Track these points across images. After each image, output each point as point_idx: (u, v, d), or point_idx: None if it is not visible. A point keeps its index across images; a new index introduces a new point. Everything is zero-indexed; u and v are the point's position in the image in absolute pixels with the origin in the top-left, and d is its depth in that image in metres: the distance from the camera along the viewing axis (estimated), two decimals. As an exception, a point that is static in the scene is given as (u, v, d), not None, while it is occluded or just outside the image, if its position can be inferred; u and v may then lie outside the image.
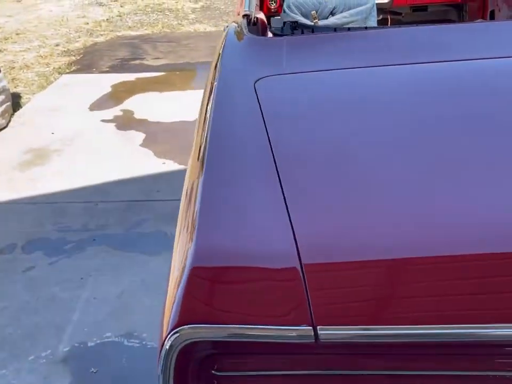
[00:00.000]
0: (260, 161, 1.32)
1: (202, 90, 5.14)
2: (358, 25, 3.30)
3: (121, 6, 9.54)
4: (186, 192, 1.44)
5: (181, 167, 3.81)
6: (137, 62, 6.31)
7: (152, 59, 6.37)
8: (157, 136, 4.32)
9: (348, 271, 1.05)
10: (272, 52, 2.04)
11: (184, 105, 4.90)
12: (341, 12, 3.24)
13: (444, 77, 1.75)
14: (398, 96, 1.64)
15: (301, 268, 1.01)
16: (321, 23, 3.27)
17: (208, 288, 1.05)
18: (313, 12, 3.23)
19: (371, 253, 1.05)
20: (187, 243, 1.14)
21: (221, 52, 2.23)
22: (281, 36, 2.14)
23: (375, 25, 3.40)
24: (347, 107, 1.60)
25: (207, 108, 1.84)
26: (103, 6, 9.69)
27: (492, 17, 4.13)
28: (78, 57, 6.60)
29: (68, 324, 2.46)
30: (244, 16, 2.73)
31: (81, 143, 4.23)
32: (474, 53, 1.85)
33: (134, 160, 3.93)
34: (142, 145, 4.18)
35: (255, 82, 1.78)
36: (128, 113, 4.80)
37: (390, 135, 1.41)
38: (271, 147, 1.38)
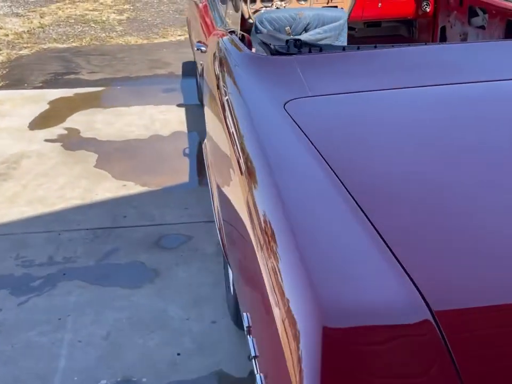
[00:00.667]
0: (341, 200, 1.20)
1: (149, 106, 4.88)
2: (330, 42, 3.25)
3: (41, 17, 9.09)
4: (261, 242, 1.25)
5: (144, 189, 3.60)
6: (72, 76, 5.97)
7: (88, 73, 6.05)
8: (111, 156, 4.07)
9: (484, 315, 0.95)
10: (286, 71, 1.92)
11: (132, 122, 4.67)
12: (315, 28, 3.18)
13: (475, 98, 1.70)
14: (445, 118, 1.57)
15: (434, 318, 0.90)
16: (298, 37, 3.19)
17: (348, 355, 0.91)
18: (287, 28, 3.15)
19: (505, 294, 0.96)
20: (294, 303, 0.99)
21: (229, 71, 2.09)
22: (288, 54, 2.03)
23: (345, 41, 3.37)
24: (399, 131, 1.51)
25: (234, 133, 1.69)
26: (20, 16, 9.19)
27: (443, 33, 4.23)
28: (5, 71, 6.17)
29: (54, 373, 2.20)
30: (231, 32, 2.60)
31: (29, 166, 3.90)
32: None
33: (91, 183, 3.67)
34: (96, 166, 3.92)
35: (284, 105, 1.66)
36: (73, 132, 4.50)
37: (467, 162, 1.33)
38: (340, 181, 1.26)
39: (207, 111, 2.68)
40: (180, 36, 8.01)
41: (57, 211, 3.36)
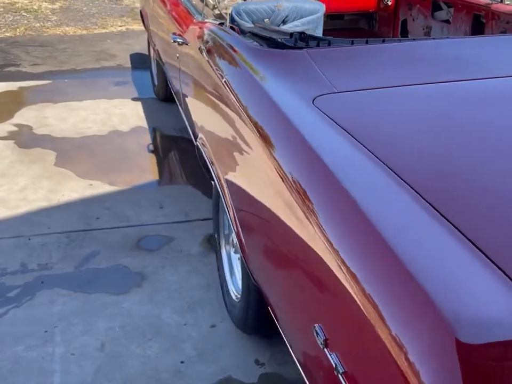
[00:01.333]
0: (415, 204, 1.15)
1: (102, 100, 4.65)
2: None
3: (-34, 5, 8.56)
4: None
5: (113, 188, 3.43)
6: (12, 69, 5.64)
7: (30, 66, 5.73)
8: (71, 154, 3.86)
9: None
10: (302, 65, 1.86)
11: (87, 118, 4.45)
12: (293, 21, 3.12)
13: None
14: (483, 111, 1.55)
15: None
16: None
17: (487, 373, 0.86)
18: (266, 20, 3.07)
19: None
20: (406, 315, 0.93)
21: (234, 64, 2.00)
22: (298, 48, 1.96)
23: (321, 34, 3.33)
24: (447, 126, 1.48)
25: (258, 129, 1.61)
26: None
27: (404, 26, 4.27)
28: None
29: (51, 390, 2.05)
30: (220, 24, 2.50)
31: (-18, 166, 3.64)
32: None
33: (54, 184, 3.46)
34: (57, 165, 3.70)
35: (313, 100, 1.60)
36: (25, 129, 4.24)
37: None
38: (405, 182, 1.21)
39: (196, 105, 2.57)
40: (120, 26, 7.74)
41: (23, 214, 3.15)
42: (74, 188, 3.42)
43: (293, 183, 1.36)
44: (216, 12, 3.03)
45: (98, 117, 4.49)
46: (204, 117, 2.45)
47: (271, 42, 2.07)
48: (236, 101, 1.88)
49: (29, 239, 2.92)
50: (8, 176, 3.55)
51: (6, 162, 3.72)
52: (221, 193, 2.06)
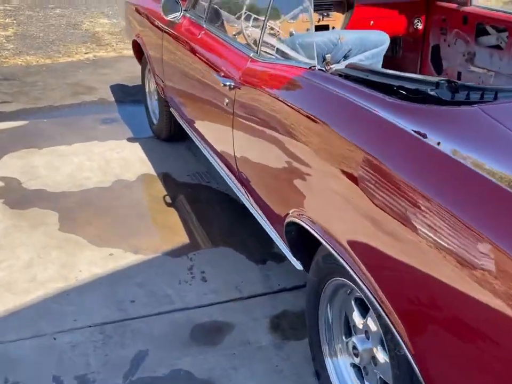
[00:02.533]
0: None
1: (94, 143, 4.00)
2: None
3: None
4: None
5: (138, 257, 2.86)
6: (-22, 108, 4.95)
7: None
8: (75, 214, 3.25)
9: None
10: (483, 128, 1.38)
11: (82, 165, 3.85)
12: (356, 55, 2.65)
13: None
14: None
15: None
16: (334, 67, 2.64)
17: None
18: (328, 56, 2.58)
19: None
20: None
21: (391, 129, 1.51)
22: (466, 103, 1.48)
23: (380, 68, 2.87)
24: None
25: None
26: None
27: (436, 52, 3.88)
28: None
29: None
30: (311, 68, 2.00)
31: (-29, 237, 2.99)
32: None
33: (65, 255, 2.85)
34: (63, 229, 3.09)
35: None
36: (13, 183, 3.60)
37: None
38: None
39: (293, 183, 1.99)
40: (86, 53, 7.13)
41: (36, 301, 2.53)
42: (92, 260, 2.83)
43: None
44: (268, 47, 2.51)
45: (95, 163, 3.89)
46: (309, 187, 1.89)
47: (412, 94, 1.58)
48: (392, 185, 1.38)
49: (54, 338, 2.31)
50: (6, 248, 2.91)
51: (-2, 229, 3.09)
52: (367, 289, 1.51)
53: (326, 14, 3.56)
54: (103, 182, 3.63)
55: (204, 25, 3.01)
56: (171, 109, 3.82)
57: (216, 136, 2.80)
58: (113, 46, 7.65)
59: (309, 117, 1.84)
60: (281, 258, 2.85)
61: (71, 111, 4.90)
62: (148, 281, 2.68)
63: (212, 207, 3.35)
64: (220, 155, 2.77)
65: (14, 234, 3.03)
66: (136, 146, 4.18)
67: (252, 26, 2.89)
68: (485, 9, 3.50)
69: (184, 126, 3.49)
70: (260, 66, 2.28)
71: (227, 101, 2.46)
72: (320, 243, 1.86)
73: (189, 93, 3.09)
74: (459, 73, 3.66)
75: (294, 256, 2.10)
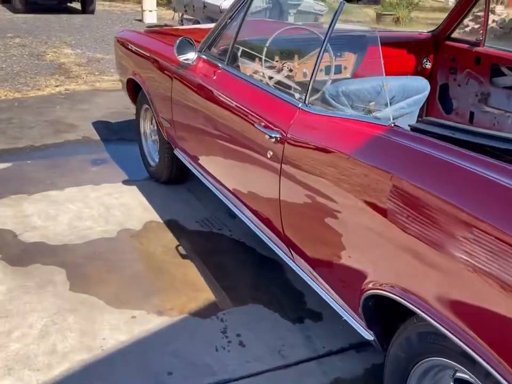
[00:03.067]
0: None
1: (87, 187, 3.75)
2: (410, 118, 2.63)
3: None
4: None
5: (164, 320, 2.63)
6: (-47, 149, 4.61)
7: (-25, 144, 4.73)
8: (84, 270, 2.99)
9: None
10: None
11: (81, 213, 3.59)
12: (398, 102, 2.54)
13: None
14: None
15: None
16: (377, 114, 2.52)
17: None
18: (372, 103, 2.47)
19: None
20: None
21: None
22: None
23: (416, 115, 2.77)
24: None
25: None
26: None
27: (444, 91, 3.83)
28: None
29: None
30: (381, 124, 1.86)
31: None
32: None
33: (83, 320, 2.59)
34: (74, 289, 2.82)
35: None
36: (7, 235, 3.30)
37: None
38: None
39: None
40: (57, 86, 6.85)
41: (62, 378, 2.27)
42: (115, 325, 2.58)
43: None
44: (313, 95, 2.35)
45: (95, 211, 3.63)
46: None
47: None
48: None
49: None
50: (15, 314, 2.63)
51: (2, 291, 2.79)
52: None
53: (339, 54, 3.46)
54: (107, 231, 3.38)
55: (227, 69, 2.84)
56: (175, 152, 3.62)
57: (252, 191, 2.61)
58: (83, 78, 7.38)
59: (395, 179, 1.69)
60: (318, 316, 2.68)
61: (55, 152, 4.62)
62: (182, 348, 2.45)
63: (230, 258, 3.16)
64: (257, 211, 2.59)
65: (21, 297, 2.75)
66: (135, 190, 3.94)
67: (291, 71, 2.76)
68: (499, 50, 3.48)
69: (197, 172, 3.30)
70: (314, 118, 2.13)
71: (271, 153, 2.29)
72: (407, 315, 1.71)
73: (211, 140, 2.90)
74: (471, 113, 3.62)
75: (368, 327, 1.94)
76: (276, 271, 3.04)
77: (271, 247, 2.55)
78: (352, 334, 2.31)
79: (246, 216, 2.72)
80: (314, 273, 2.21)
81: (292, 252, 2.36)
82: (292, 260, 2.40)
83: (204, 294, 2.83)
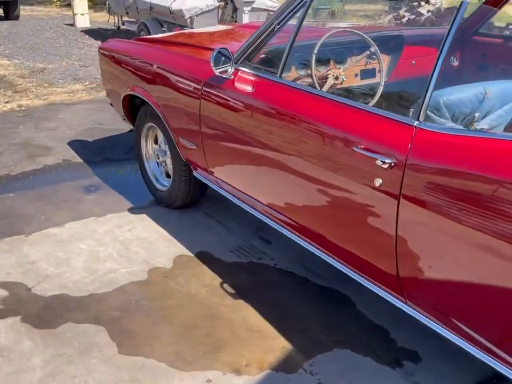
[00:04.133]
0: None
1: (91, 220, 3.37)
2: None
3: None
4: None
5: (245, 379, 2.25)
6: None
7: None
8: (125, 324, 2.54)
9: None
10: None
11: (95, 253, 3.14)
12: (497, 110, 2.27)
13: None
14: None
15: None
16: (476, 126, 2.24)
17: None
18: (477, 115, 2.18)
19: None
20: None
21: None
22: None
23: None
24: None
25: None
26: None
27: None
28: None
29: None
30: None
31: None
32: None
33: (153, 392, 2.17)
34: (123, 351, 2.37)
35: None
36: (19, 290, 2.79)
37: None
38: None
39: None
40: (7, 103, 6.23)
41: None
42: (191, 393, 2.17)
43: None
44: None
45: (111, 249, 3.17)
46: None
47: None
48: None
49: None
50: (66, 393, 2.17)
51: (38, 364, 2.31)
52: None
53: (374, 57, 3.17)
54: (135, 273, 2.94)
55: (285, 83, 2.47)
56: (196, 174, 3.21)
57: (343, 224, 2.24)
58: (33, 91, 6.76)
59: None
60: (415, 355, 2.37)
61: (37, 180, 4.07)
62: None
63: (286, 293, 2.80)
64: (350, 248, 2.24)
65: (64, 369, 2.28)
66: (146, 219, 3.50)
67: (382, 81, 2.43)
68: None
69: (238, 200, 2.91)
70: (445, 139, 1.80)
71: (380, 181, 1.95)
72: None
73: (270, 165, 2.51)
74: None
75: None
76: (342, 303, 2.71)
77: (380, 292, 2.20)
78: (469, 373, 2.05)
79: (327, 253, 2.37)
80: (445, 319, 1.91)
81: (406, 292, 2.04)
82: (403, 302, 2.08)
83: (277, 342, 2.46)
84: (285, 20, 2.51)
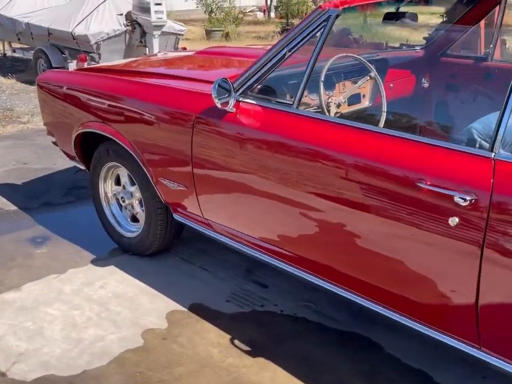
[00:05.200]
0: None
1: (52, 277, 3.01)
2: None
3: None
4: None
5: None
6: None
7: None
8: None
9: None
10: None
11: (71, 319, 2.70)
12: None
13: None
14: None
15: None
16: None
17: None
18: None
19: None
20: None
21: None
22: None
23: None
24: None
25: None
26: None
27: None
28: None
29: None
30: None
31: None
32: None
33: None
34: None
35: None
36: (-7, 376, 2.31)
37: None
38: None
39: None
40: None
41: None
42: None
43: None
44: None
45: (88, 311, 2.73)
46: None
47: None
48: None
49: None
50: None
51: None
52: None
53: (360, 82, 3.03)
54: (127, 338, 2.54)
55: (308, 115, 2.24)
56: (176, 217, 2.88)
57: (404, 272, 2.00)
58: None
59: None
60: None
61: None
62: None
63: (305, 342, 2.53)
64: (408, 297, 2.02)
65: None
66: (118, 272, 3.09)
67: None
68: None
69: (236, 244, 2.62)
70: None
71: (456, 221, 1.77)
72: None
73: (295, 203, 2.24)
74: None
75: None
76: (369, 347, 2.50)
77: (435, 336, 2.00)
78: None
79: (377, 303, 2.13)
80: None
81: (483, 339, 1.86)
82: (477, 349, 1.90)
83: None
84: (298, 46, 2.29)
